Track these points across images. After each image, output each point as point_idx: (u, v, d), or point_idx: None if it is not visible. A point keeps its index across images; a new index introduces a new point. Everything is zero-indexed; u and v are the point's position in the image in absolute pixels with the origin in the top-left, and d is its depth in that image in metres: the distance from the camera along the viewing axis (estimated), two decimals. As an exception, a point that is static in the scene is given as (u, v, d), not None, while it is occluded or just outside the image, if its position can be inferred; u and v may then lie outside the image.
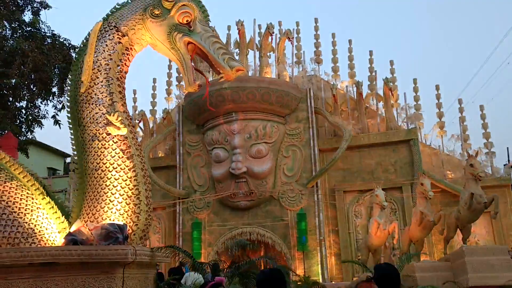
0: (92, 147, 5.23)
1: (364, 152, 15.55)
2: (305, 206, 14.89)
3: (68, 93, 5.59)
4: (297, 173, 15.26)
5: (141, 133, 16.53)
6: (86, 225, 5.00)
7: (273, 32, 15.64)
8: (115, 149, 5.16)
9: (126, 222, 5.02)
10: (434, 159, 15.70)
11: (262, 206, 15.19)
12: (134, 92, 17.01)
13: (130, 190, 5.11)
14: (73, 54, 11.38)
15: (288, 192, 15.08)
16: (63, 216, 5.18)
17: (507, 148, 23.08)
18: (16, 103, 11.37)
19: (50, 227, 5.07)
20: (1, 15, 11.01)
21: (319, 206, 14.92)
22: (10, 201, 4.97)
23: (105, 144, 5.18)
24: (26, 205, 5.02)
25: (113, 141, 5.18)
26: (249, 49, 16.23)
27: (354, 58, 16.70)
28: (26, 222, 4.95)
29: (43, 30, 11.77)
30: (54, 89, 11.68)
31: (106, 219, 4.99)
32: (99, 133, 5.22)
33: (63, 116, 12.10)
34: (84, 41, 5.68)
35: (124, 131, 5.18)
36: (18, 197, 5.03)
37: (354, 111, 16.10)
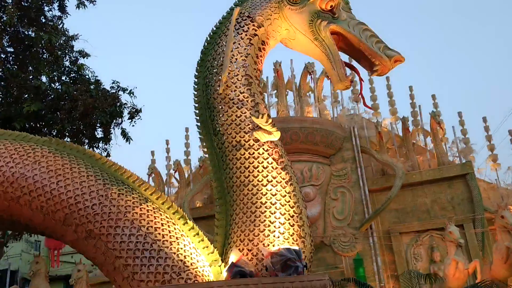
0: (236, 158, 4.22)
1: (417, 190, 14.57)
2: (360, 251, 13.72)
3: (195, 98, 4.66)
4: (349, 216, 14.18)
5: (176, 184, 15.49)
6: (247, 253, 3.92)
7: (313, 71, 15.10)
8: (267, 158, 4.16)
9: (293, 248, 3.96)
10: (492, 193, 14.79)
11: (314, 254, 13.94)
12: (167, 142, 16.16)
13: (292, 208, 4.07)
14: (125, 97, 10.69)
15: (340, 237, 13.94)
16: (212, 245, 4.10)
17: None
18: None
19: (200, 258, 3.96)
20: (46, 62, 10.35)
21: (375, 250, 13.74)
22: (151, 226, 3.87)
23: (253, 153, 4.18)
24: (169, 232, 3.93)
25: (263, 148, 4.19)
26: (287, 90, 15.61)
27: (394, 94, 16.10)
28: (174, 253, 3.82)
29: (87, 76, 11.12)
30: (99, 135, 10.80)
31: (268, 245, 3.92)
32: (244, 140, 4.24)
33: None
34: (211, 33, 4.81)
35: (277, 135, 4.22)
36: (159, 222, 3.95)
37: (401, 148, 15.32)
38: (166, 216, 4.06)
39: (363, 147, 14.90)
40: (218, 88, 4.39)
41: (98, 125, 10.57)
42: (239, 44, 4.57)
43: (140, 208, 3.94)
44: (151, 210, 4.00)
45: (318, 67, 16.02)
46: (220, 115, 4.41)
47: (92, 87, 10.82)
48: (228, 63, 4.37)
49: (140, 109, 10.98)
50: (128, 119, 10.86)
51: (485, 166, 15.37)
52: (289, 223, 4.03)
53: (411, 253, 13.98)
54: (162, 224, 3.93)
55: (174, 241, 3.87)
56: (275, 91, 15.60)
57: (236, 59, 4.52)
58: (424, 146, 15.25)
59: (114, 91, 10.64)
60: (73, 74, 11.06)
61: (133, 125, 10.93)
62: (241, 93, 4.41)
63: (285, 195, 4.09)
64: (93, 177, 4.07)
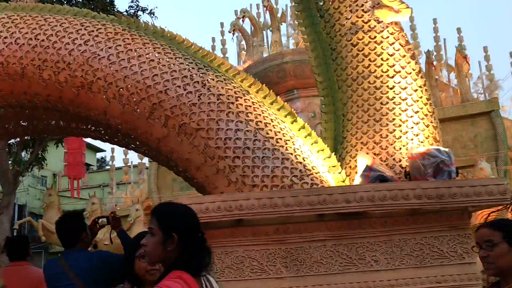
0: (351, 44, 3.39)
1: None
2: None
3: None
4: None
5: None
6: (377, 156, 3.18)
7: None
8: (393, 43, 3.34)
9: (428, 152, 3.23)
10: (515, 131, 14.31)
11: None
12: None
13: (425, 105, 3.31)
14: (145, 17, 9.66)
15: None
16: (328, 148, 3.34)
17: None
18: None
19: (318, 163, 3.21)
20: None
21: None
22: (261, 121, 3.06)
23: (375, 37, 3.35)
24: (281, 129, 3.14)
25: (388, 31, 3.36)
26: (283, 22, 14.54)
27: (416, 27, 15.20)
28: (292, 154, 3.04)
29: None
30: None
31: (400, 148, 3.19)
32: (363, 21, 3.39)
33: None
34: None
35: (407, 13, 3.38)
36: (267, 117, 3.15)
37: (423, 84, 14.63)
38: (272, 112, 3.27)
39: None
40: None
41: None
42: None
43: (244, 100, 3.12)
44: (256, 103, 3.19)
45: None
46: (330, -10, 3.55)
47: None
48: None
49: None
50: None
51: (508, 103, 14.86)
52: (424, 123, 3.29)
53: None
54: (271, 120, 3.13)
55: (289, 140, 3.08)
56: (270, 29, 14.52)
57: None
58: (447, 82, 14.59)
59: (133, 10, 9.63)
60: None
61: None
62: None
63: (417, 90, 3.32)
64: (182, 60, 3.19)
